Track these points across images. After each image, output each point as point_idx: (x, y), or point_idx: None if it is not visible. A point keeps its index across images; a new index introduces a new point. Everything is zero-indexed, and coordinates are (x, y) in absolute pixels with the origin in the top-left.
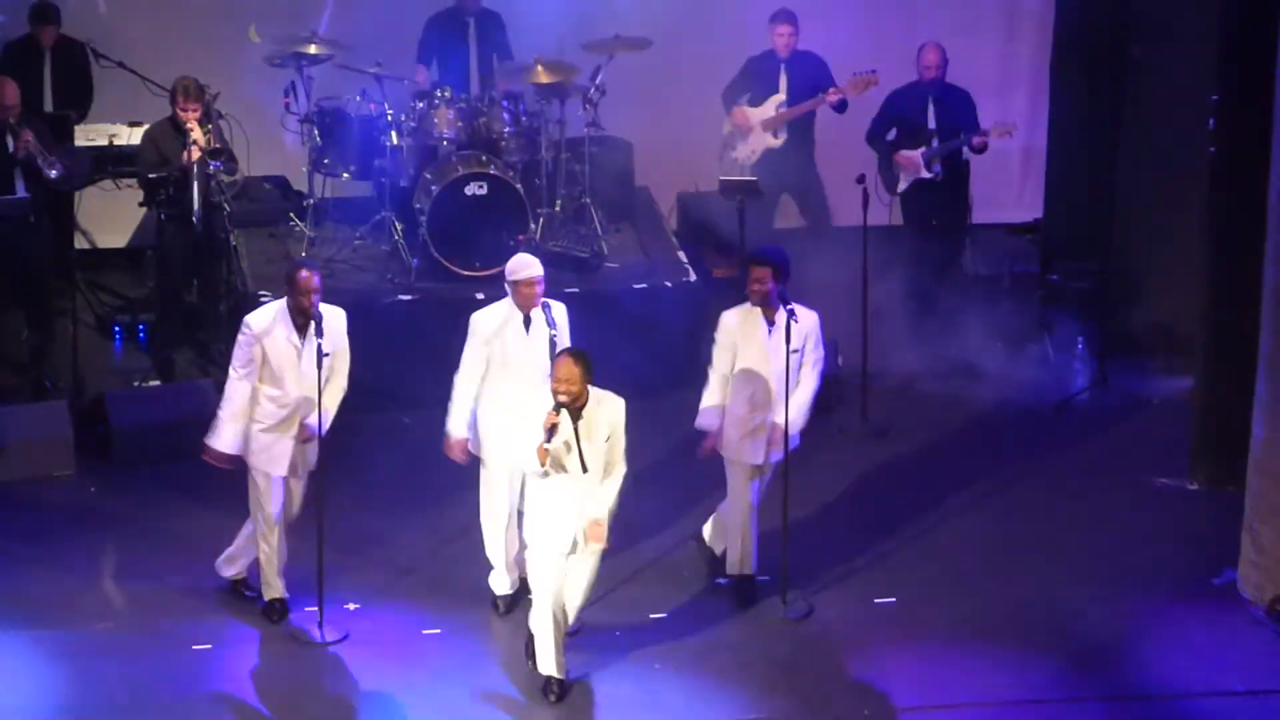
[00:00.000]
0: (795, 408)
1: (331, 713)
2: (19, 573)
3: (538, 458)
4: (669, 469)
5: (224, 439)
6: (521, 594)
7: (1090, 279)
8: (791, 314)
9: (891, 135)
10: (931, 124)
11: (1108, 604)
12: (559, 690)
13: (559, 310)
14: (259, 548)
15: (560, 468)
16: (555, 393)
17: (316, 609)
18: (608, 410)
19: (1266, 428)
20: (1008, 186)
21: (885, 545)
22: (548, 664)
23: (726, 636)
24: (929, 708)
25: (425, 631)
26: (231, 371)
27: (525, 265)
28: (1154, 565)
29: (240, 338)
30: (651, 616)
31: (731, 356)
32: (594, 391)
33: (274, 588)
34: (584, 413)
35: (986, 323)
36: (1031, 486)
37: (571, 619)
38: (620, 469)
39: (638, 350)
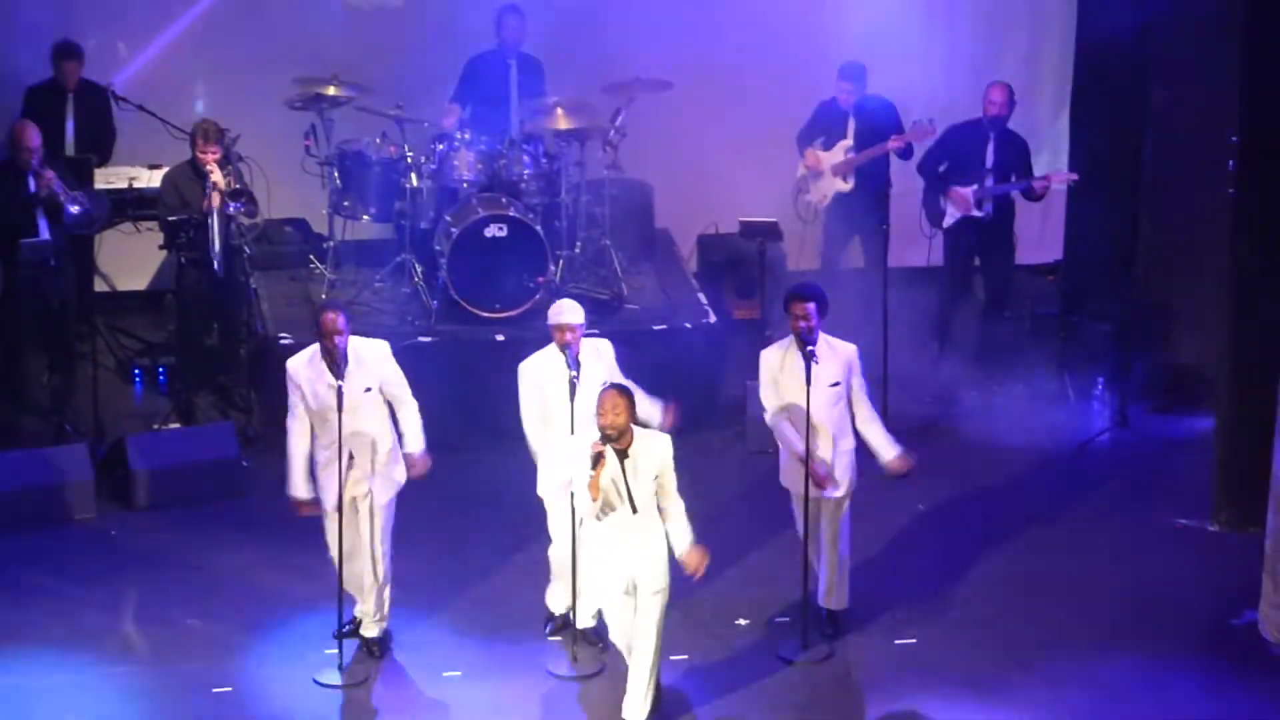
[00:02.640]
0: (877, 437)
1: None
2: (40, 616)
3: (589, 493)
4: (690, 510)
5: (295, 486)
6: (561, 626)
7: (1111, 320)
8: (813, 355)
9: (943, 168)
10: (988, 163)
11: (1128, 645)
12: None
13: (602, 348)
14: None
15: (610, 508)
16: (601, 427)
17: (337, 651)
18: (654, 449)
19: None
20: (1028, 228)
21: (905, 587)
22: (631, 710)
23: (748, 678)
24: None
25: (446, 674)
26: (288, 418)
27: (559, 311)
28: (1174, 606)
29: (287, 383)
30: (673, 658)
31: (776, 391)
32: (639, 431)
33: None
34: (630, 452)
35: (1007, 364)
36: (1051, 528)
37: (646, 668)
38: (679, 503)
39: (658, 392)
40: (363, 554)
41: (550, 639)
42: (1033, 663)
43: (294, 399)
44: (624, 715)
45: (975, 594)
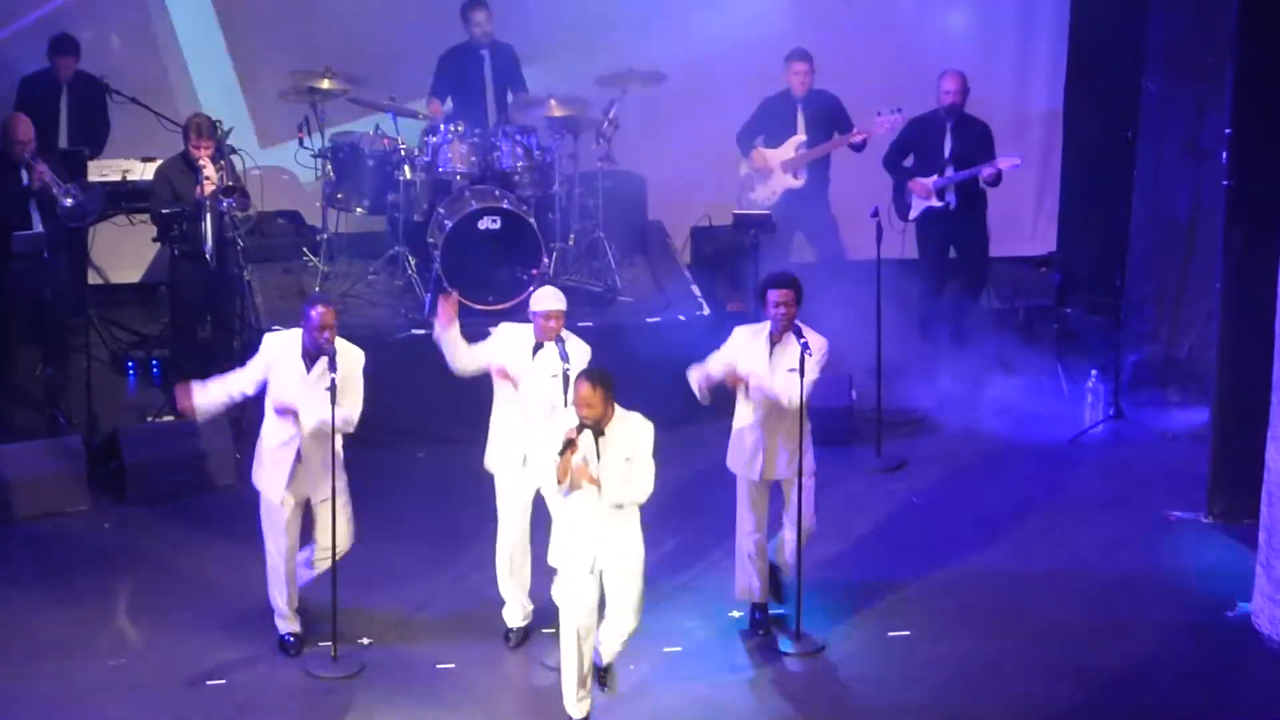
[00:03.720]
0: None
1: None
2: (32, 608)
3: (556, 474)
4: (683, 502)
5: (200, 390)
6: (534, 627)
7: (1104, 312)
8: (805, 347)
9: (909, 162)
10: (946, 153)
11: (1122, 637)
12: None
13: (580, 349)
14: (270, 580)
15: (578, 487)
16: (579, 416)
17: (330, 644)
18: (630, 430)
19: None
20: (1021, 220)
21: (899, 578)
22: (568, 700)
23: (741, 670)
24: None
25: (439, 666)
26: (237, 370)
27: (544, 298)
28: (1168, 598)
29: (260, 351)
30: (665, 650)
31: (726, 364)
32: (620, 412)
33: (288, 621)
34: (606, 431)
35: (1001, 356)
36: (1046, 520)
37: (615, 644)
38: (641, 486)
39: (651, 384)
40: (337, 552)
41: (543, 631)
42: (1026, 655)
43: (254, 366)
44: (566, 710)
45: (968, 586)
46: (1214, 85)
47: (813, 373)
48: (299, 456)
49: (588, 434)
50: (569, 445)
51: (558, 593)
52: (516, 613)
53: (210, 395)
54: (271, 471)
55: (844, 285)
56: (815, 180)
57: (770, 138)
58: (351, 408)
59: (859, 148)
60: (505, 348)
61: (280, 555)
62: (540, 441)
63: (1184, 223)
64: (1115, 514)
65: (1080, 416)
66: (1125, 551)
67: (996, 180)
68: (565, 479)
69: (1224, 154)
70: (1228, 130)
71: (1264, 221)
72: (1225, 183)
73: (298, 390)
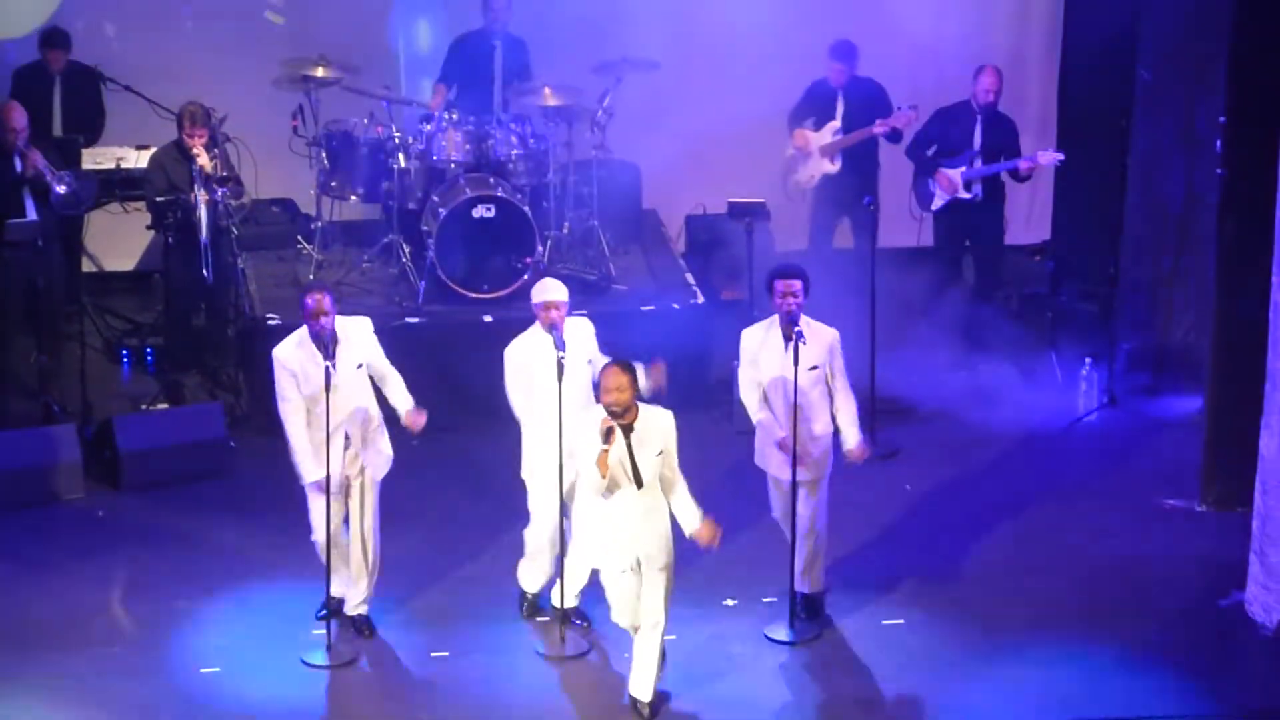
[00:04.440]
0: (845, 421)
1: None
2: (27, 596)
3: (598, 469)
4: None
5: (306, 470)
6: (544, 602)
7: (1098, 300)
8: (800, 335)
9: (931, 151)
10: (976, 145)
11: (1115, 626)
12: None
13: (583, 326)
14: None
15: (616, 485)
16: (606, 405)
17: (325, 631)
18: (658, 423)
19: (1275, 449)
20: (1017, 209)
21: (894, 567)
22: (640, 688)
23: (736, 658)
24: None
25: (434, 654)
26: (280, 406)
27: (542, 289)
28: (1162, 586)
29: (276, 372)
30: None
31: (755, 371)
32: (643, 406)
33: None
34: (635, 426)
35: (995, 344)
36: (1039, 508)
37: (655, 646)
38: (683, 479)
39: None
40: (356, 532)
41: (538, 619)
42: (1019, 643)
43: (285, 386)
44: (631, 693)
45: (962, 574)
46: (1208, 74)
47: (838, 363)
48: (346, 440)
49: (619, 432)
50: (609, 434)
51: (608, 592)
52: (538, 575)
53: (311, 450)
54: (317, 456)
55: (853, 275)
56: (858, 167)
57: (818, 122)
58: (390, 368)
59: (891, 139)
60: (529, 363)
61: (323, 545)
62: (569, 436)
63: (1178, 211)
64: (1109, 502)
65: (1074, 404)
66: (1118, 539)
67: (1029, 175)
68: (607, 473)
69: (1218, 142)
70: (1222, 119)
71: (1257, 210)
72: (1219, 171)
73: (324, 378)
